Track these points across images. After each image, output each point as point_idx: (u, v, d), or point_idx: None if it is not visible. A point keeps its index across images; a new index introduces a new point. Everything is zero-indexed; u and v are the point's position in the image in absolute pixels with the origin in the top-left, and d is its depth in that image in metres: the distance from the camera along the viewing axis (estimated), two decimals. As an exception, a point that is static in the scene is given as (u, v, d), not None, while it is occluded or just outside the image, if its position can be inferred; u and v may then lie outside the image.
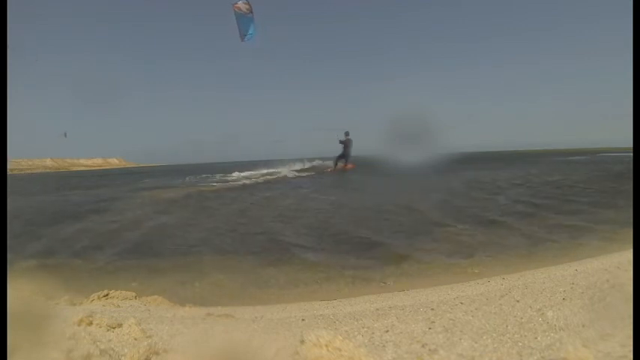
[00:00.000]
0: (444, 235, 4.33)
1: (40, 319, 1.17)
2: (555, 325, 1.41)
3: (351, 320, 1.78)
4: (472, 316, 1.65)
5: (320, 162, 19.86)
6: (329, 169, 17.86)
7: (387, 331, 1.54)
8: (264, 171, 18.20)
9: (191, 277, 3.18)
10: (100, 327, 1.47)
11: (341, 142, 17.77)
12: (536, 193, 7.66)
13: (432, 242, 4.04)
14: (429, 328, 1.54)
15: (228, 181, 14.33)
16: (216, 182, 14.19)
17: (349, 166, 17.89)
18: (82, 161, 62.84)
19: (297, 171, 18.62)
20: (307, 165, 19.69)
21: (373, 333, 1.54)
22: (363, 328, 1.62)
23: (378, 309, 1.97)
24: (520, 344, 1.29)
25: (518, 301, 1.79)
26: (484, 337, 1.38)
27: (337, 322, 1.79)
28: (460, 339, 1.38)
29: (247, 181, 13.81)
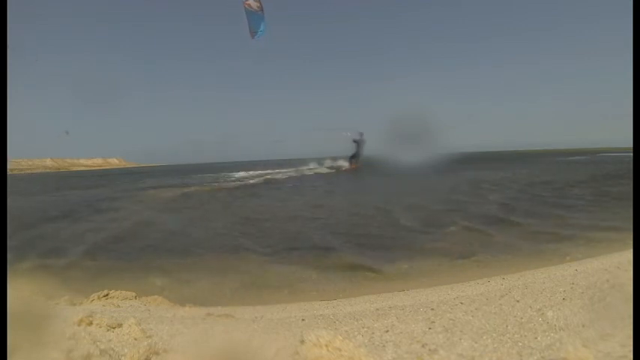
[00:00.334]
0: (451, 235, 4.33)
1: (40, 319, 1.17)
2: (555, 325, 1.41)
3: (351, 320, 1.78)
4: (472, 316, 1.65)
5: (330, 161, 20.47)
6: (344, 168, 18.69)
7: (387, 331, 1.54)
8: (284, 170, 18.98)
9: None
10: (100, 327, 1.46)
11: (355, 141, 18.63)
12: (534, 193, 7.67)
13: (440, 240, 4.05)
14: (429, 328, 1.54)
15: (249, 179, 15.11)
16: (234, 180, 15.00)
17: (354, 166, 18.61)
18: (82, 161, 62.79)
19: (312, 169, 19.46)
20: (320, 165, 20.33)
21: (373, 333, 1.54)
22: (363, 328, 1.62)
23: (378, 309, 1.97)
24: (520, 344, 1.29)
25: (518, 301, 1.78)
26: (484, 337, 1.38)
27: (337, 322, 1.79)
28: (460, 339, 1.38)
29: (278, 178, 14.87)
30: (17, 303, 1.11)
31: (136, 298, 2.57)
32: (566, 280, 2.07)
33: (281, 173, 17.66)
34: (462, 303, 1.91)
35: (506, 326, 1.48)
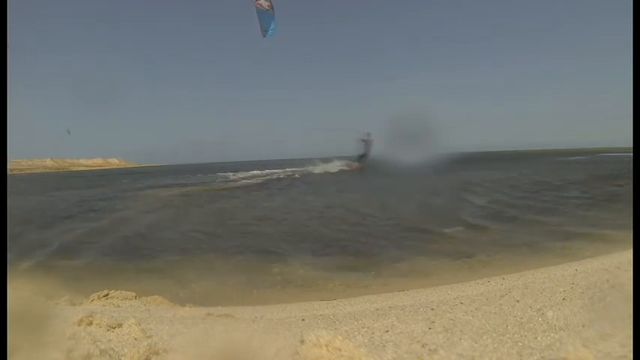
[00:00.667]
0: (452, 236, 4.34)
1: (41, 319, 1.17)
2: (555, 325, 1.41)
3: (351, 320, 1.78)
4: (472, 316, 1.65)
5: (337, 161, 20.31)
6: (351, 168, 18.73)
7: (387, 331, 1.54)
8: (299, 168, 19.34)
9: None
10: (100, 327, 1.46)
11: (363, 141, 18.90)
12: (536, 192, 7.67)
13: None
14: (429, 328, 1.54)
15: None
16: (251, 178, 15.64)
17: (360, 165, 18.80)
18: (82, 161, 62.81)
19: (319, 168, 19.44)
20: (327, 164, 20.09)
21: (373, 333, 1.54)
22: (363, 328, 1.62)
23: (378, 309, 1.97)
24: (520, 344, 1.29)
25: (518, 301, 1.78)
26: (484, 337, 1.38)
27: (337, 322, 1.79)
28: (460, 339, 1.38)
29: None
30: (17, 303, 1.11)
31: (135, 298, 2.57)
32: (566, 280, 2.07)
33: (297, 172, 18.29)
34: (462, 303, 1.91)
35: (506, 326, 1.48)
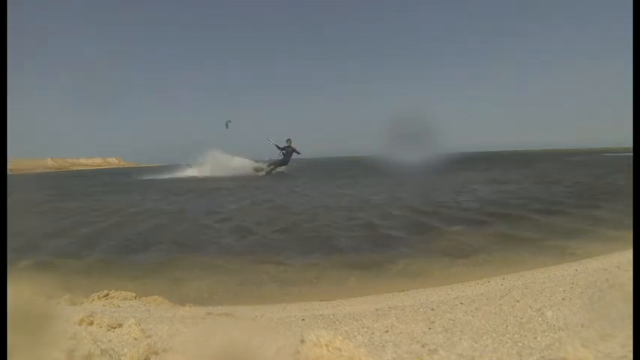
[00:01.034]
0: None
1: (41, 319, 1.17)
2: (555, 325, 1.41)
3: (351, 320, 1.78)
4: (472, 317, 1.65)
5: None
6: (261, 173, 15.27)
7: (387, 331, 1.54)
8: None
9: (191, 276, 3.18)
10: (101, 327, 1.47)
11: (281, 149, 15.37)
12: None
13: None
14: (429, 329, 1.54)
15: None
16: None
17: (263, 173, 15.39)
18: (82, 161, 62.83)
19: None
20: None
21: (373, 333, 1.54)
22: (362, 328, 1.62)
23: (377, 309, 1.97)
24: (520, 344, 1.29)
25: (518, 301, 1.79)
26: (484, 337, 1.38)
27: (337, 322, 1.79)
28: (460, 339, 1.38)
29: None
30: (17, 302, 1.11)
31: (135, 298, 2.57)
32: (566, 280, 2.07)
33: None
34: (462, 303, 1.91)
35: (506, 326, 1.48)
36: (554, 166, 17.49)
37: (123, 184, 14.72)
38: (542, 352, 1.20)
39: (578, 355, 1.02)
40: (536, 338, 1.32)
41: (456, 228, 4.70)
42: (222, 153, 16.68)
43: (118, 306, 2.37)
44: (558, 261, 3.07)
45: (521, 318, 1.55)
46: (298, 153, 15.88)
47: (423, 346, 1.34)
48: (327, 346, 1.02)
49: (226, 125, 15.45)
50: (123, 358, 1.19)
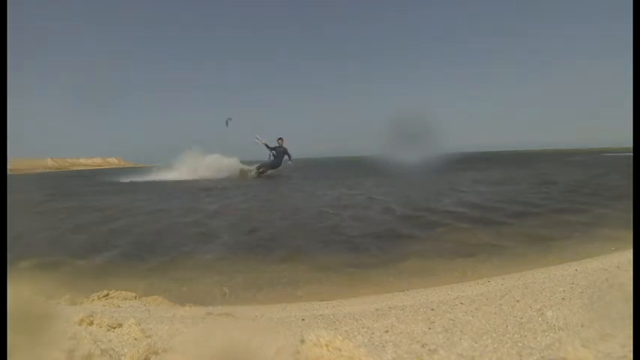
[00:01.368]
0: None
1: (41, 319, 1.17)
2: (555, 325, 1.41)
3: (351, 320, 1.78)
4: (472, 317, 1.66)
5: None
6: (251, 174, 13.48)
7: (387, 332, 1.54)
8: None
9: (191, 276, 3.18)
10: (101, 327, 1.47)
11: (272, 149, 13.38)
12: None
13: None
14: (429, 329, 1.54)
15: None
16: None
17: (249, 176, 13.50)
18: (82, 161, 62.85)
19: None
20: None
21: (373, 333, 1.54)
22: (362, 328, 1.62)
23: (377, 309, 1.97)
24: (520, 344, 1.29)
25: (518, 301, 1.79)
26: (484, 337, 1.38)
27: (337, 322, 1.79)
28: (460, 339, 1.38)
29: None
30: (17, 302, 1.11)
31: (135, 299, 2.57)
32: (566, 280, 2.07)
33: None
34: (462, 303, 1.91)
35: (506, 326, 1.48)
36: (555, 166, 17.50)
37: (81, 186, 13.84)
38: (542, 352, 1.20)
39: (578, 355, 1.02)
40: (536, 338, 1.33)
41: (459, 225, 4.70)
42: (202, 153, 14.65)
43: (118, 306, 2.37)
44: (561, 261, 3.07)
45: (521, 318, 1.55)
46: (289, 157, 13.42)
47: (423, 346, 1.34)
48: (327, 346, 1.03)
49: (226, 123, 13.49)
50: (123, 358, 1.19)
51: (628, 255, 2.54)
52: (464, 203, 6.56)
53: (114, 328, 1.48)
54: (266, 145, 13.49)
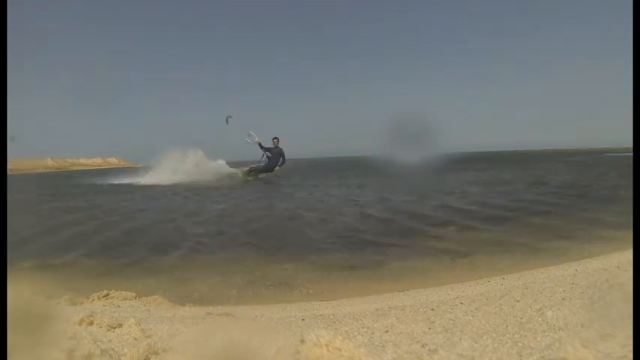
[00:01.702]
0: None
1: (41, 319, 1.17)
2: (555, 325, 1.41)
3: (351, 320, 1.78)
4: (472, 316, 1.66)
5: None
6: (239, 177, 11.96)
7: (387, 332, 1.54)
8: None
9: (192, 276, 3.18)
10: (101, 327, 1.47)
11: (266, 149, 11.78)
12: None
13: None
14: (429, 329, 1.54)
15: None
16: None
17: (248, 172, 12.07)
18: (82, 161, 62.92)
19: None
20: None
21: (373, 333, 1.54)
22: (362, 328, 1.62)
23: (377, 309, 1.97)
24: (520, 344, 1.29)
25: (518, 301, 1.79)
26: (484, 337, 1.38)
27: (337, 322, 1.79)
28: (460, 339, 1.38)
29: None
30: (17, 302, 1.11)
31: (135, 298, 2.57)
32: (566, 280, 2.07)
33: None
34: (462, 303, 1.91)
35: (506, 326, 1.48)
36: (555, 166, 17.50)
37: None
38: (542, 352, 1.20)
39: (578, 355, 1.02)
40: (536, 338, 1.33)
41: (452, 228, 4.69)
42: (184, 154, 13.19)
43: (118, 306, 2.37)
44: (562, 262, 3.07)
45: (521, 318, 1.55)
46: (283, 161, 11.90)
47: (423, 346, 1.34)
48: (327, 346, 1.03)
49: (226, 121, 12.17)
50: (123, 358, 1.19)
51: (628, 255, 2.54)
52: (452, 205, 6.57)
53: (114, 328, 1.48)
54: (259, 145, 11.85)
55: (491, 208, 6.03)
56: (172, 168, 12.77)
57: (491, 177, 12.08)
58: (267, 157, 11.94)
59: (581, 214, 5.26)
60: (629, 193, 5.59)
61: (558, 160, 24.26)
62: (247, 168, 12.22)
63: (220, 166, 13.07)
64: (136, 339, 1.41)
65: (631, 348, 1.04)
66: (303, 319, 1.90)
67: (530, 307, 1.68)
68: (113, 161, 68.52)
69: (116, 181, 13.34)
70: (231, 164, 13.43)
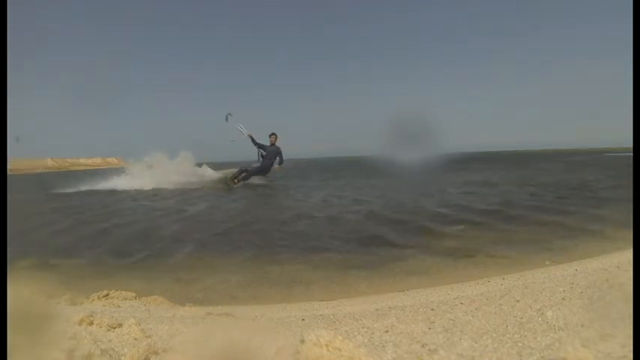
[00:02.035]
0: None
1: (41, 319, 1.17)
2: (555, 325, 1.41)
3: (351, 320, 1.78)
4: (472, 316, 1.66)
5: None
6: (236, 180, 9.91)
7: (387, 331, 1.54)
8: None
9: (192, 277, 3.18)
10: (101, 327, 1.47)
11: (260, 146, 9.89)
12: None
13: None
14: (429, 329, 1.54)
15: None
16: None
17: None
18: (82, 161, 63.06)
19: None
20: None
21: (373, 333, 1.54)
22: (362, 328, 1.62)
23: (377, 309, 1.97)
24: (520, 344, 1.29)
25: (518, 301, 1.79)
26: (484, 337, 1.38)
27: (337, 322, 1.79)
28: (460, 339, 1.38)
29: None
30: (17, 302, 1.11)
31: (135, 299, 2.57)
32: (566, 280, 2.07)
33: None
34: (462, 303, 1.91)
35: (506, 326, 1.48)
36: (555, 166, 17.50)
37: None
38: (542, 352, 1.20)
39: (578, 355, 1.02)
40: (536, 338, 1.33)
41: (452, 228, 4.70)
42: (165, 157, 11.70)
43: (118, 306, 2.37)
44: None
45: (521, 318, 1.55)
46: (281, 160, 10.00)
47: (423, 346, 1.34)
48: (327, 346, 1.03)
49: (226, 119, 10.44)
50: (123, 358, 1.19)
51: (628, 255, 2.54)
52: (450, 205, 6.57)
53: (114, 328, 1.48)
54: (252, 139, 9.89)
55: (491, 208, 6.03)
56: (143, 173, 11.38)
57: (491, 177, 12.09)
58: (262, 155, 10.00)
59: (582, 214, 5.27)
60: (629, 193, 5.60)
61: (558, 160, 24.30)
62: (236, 170, 10.16)
63: (203, 170, 11.42)
64: (136, 339, 1.41)
65: (631, 348, 1.04)
66: (303, 319, 1.90)
67: (530, 307, 1.68)
68: (113, 161, 68.53)
69: (85, 188, 11.07)
70: (227, 165, 12.45)
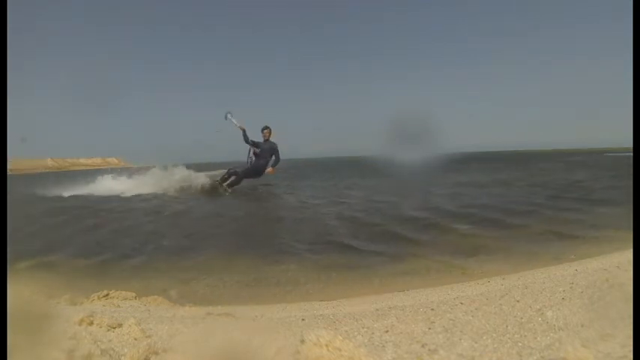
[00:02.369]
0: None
1: (41, 319, 1.17)
2: (555, 325, 1.41)
3: (351, 320, 1.78)
4: (472, 316, 1.66)
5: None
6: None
7: (387, 332, 1.54)
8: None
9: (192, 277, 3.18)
10: (101, 327, 1.47)
11: (253, 144, 8.29)
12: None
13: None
14: (429, 329, 1.54)
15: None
16: None
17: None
18: (82, 161, 63.15)
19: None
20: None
21: (373, 333, 1.54)
22: (362, 328, 1.62)
23: (377, 309, 1.97)
24: (520, 344, 1.29)
25: (518, 301, 1.79)
26: (484, 337, 1.38)
27: (337, 322, 1.79)
28: (460, 339, 1.38)
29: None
30: (17, 302, 1.11)
31: (135, 299, 2.58)
32: (566, 280, 2.07)
33: None
34: (462, 303, 1.91)
35: (506, 326, 1.48)
36: (555, 166, 17.50)
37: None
38: (542, 352, 1.20)
39: (578, 355, 1.02)
40: (536, 338, 1.33)
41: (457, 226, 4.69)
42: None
43: (118, 306, 2.37)
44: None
45: (521, 318, 1.55)
46: (277, 159, 8.47)
47: (423, 346, 1.34)
48: (327, 346, 1.03)
49: (225, 117, 8.92)
50: (123, 358, 1.19)
51: (628, 255, 2.54)
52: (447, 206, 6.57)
53: (114, 328, 1.48)
54: (244, 134, 8.30)
55: (491, 208, 6.03)
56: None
57: (491, 177, 12.09)
58: (255, 154, 8.38)
59: (581, 214, 5.27)
60: (628, 193, 5.59)
61: (558, 160, 24.30)
62: (225, 172, 8.70)
63: (193, 176, 9.87)
64: (136, 339, 1.41)
65: (631, 348, 1.04)
66: (303, 319, 1.90)
67: (530, 307, 1.68)
68: (113, 161, 68.60)
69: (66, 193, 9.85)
70: (217, 165, 11.53)
